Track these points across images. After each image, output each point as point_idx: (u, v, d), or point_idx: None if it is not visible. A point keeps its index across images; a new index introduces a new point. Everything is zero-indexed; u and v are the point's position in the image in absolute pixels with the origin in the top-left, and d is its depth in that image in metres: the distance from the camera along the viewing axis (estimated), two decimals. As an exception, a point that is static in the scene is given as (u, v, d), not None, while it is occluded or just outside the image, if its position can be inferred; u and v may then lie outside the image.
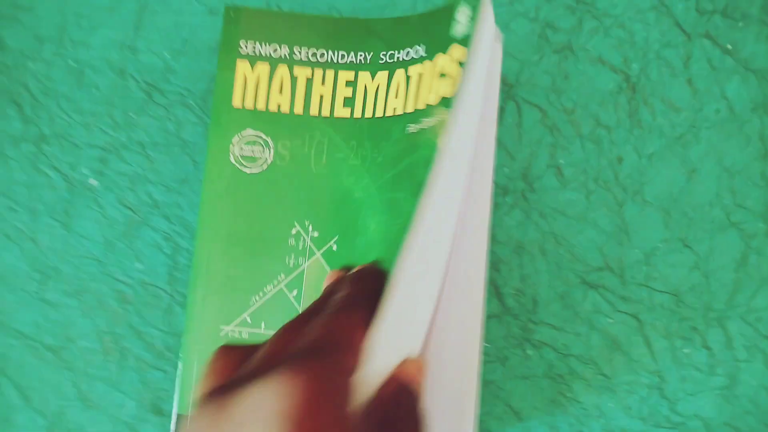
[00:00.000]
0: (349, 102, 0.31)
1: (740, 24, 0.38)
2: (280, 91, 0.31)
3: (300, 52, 0.31)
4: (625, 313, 0.36)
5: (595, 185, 0.37)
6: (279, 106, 0.31)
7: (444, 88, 0.28)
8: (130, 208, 0.35)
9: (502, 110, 0.37)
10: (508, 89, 0.37)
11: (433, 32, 0.30)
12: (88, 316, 0.35)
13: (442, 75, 0.29)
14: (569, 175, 0.37)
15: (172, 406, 0.35)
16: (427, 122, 0.28)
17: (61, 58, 0.36)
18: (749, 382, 0.36)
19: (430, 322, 0.24)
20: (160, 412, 0.35)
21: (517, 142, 0.37)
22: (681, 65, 0.37)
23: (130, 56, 0.36)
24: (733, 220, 0.37)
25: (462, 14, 0.28)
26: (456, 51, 0.28)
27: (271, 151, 0.31)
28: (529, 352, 0.36)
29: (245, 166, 0.31)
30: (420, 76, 0.30)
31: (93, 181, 0.35)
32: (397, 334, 0.23)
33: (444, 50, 0.29)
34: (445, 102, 0.28)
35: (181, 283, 0.35)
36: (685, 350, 0.36)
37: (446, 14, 0.29)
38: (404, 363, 0.23)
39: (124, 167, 0.35)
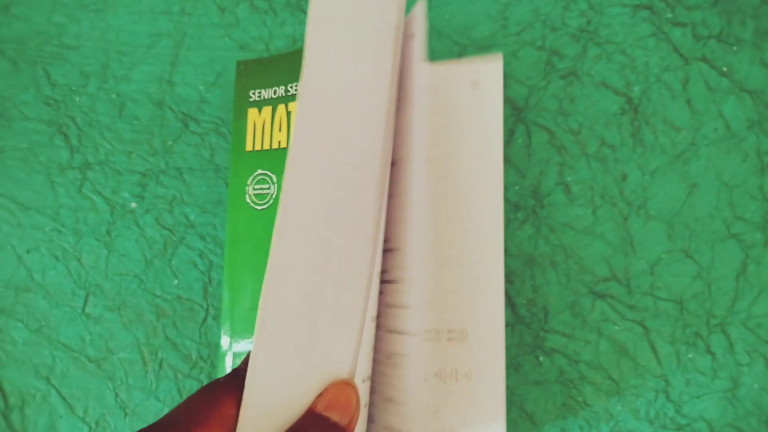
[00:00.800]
0: None
1: (734, 48, 0.40)
2: (279, 128, 0.34)
3: (292, 88, 0.34)
4: (632, 320, 0.38)
5: (601, 201, 0.39)
6: (279, 143, 0.34)
7: None
8: (167, 229, 0.38)
9: (512, 132, 0.39)
10: (518, 113, 0.39)
11: None
12: (128, 329, 0.38)
13: None
14: (577, 191, 0.39)
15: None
16: None
17: (104, 92, 0.39)
18: (751, 385, 0.38)
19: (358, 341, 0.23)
20: (196, 419, 0.38)
21: (527, 161, 0.39)
22: (680, 87, 0.40)
23: (167, 89, 0.39)
24: (733, 232, 0.39)
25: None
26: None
27: (275, 186, 0.34)
28: (541, 358, 0.38)
29: (257, 204, 0.34)
30: None
31: (133, 204, 0.38)
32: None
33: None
34: None
35: (215, 297, 0.38)
36: (690, 355, 0.38)
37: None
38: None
39: (162, 191, 0.38)
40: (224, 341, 0.33)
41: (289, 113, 0.34)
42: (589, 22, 0.40)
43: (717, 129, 0.40)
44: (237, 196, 0.34)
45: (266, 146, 0.34)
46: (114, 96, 0.39)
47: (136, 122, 0.39)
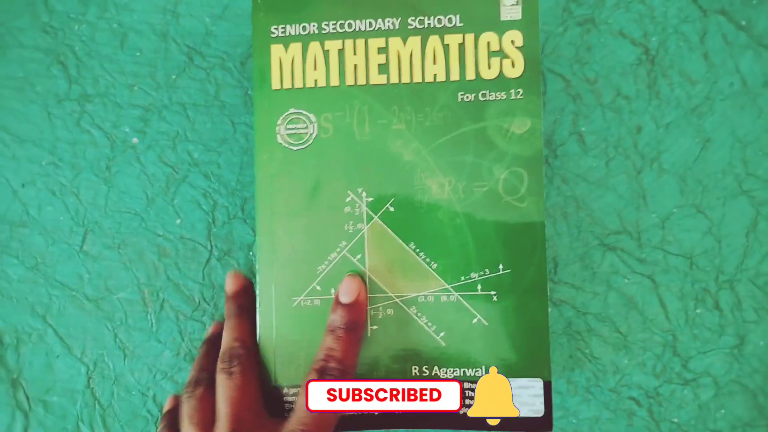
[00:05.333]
0: (383, 69, 0.32)
1: (754, 1, 0.39)
2: (315, 67, 0.32)
3: (328, 26, 0.32)
4: (641, 274, 0.38)
5: (614, 152, 0.38)
6: (316, 81, 0.32)
7: (507, 69, 0.32)
8: (170, 166, 0.37)
9: (527, 79, 0.38)
10: (539, 56, 0.38)
11: (470, 5, 0.32)
12: (128, 268, 0.37)
13: (495, 53, 0.32)
14: (590, 142, 0.38)
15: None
16: (488, 95, 0.32)
17: (105, 21, 0.37)
18: (757, 342, 0.38)
19: None
20: (196, 362, 0.37)
21: (542, 116, 0.38)
22: (697, 40, 0.39)
23: (171, 20, 0.37)
24: (745, 188, 0.39)
25: None
26: (512, 35, 0.32)
27: (315, 125, 0.32)
28: (550, 309, 0.38)
29: (292, 144, 0.32)
30: (460, 46, 0.32)
31: (135, 140, 0.37)
32: None
33: (492, 29, 0.32)
34: (508, 83, 0.32)
35: (219, 238, 0.37)
36: (698, 311, 0.38)
37: None
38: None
39: (165, 127, 0.37)
40: (263, 290, 0.32)
41: (326, 51, 0.32)
42: (609, -32, 0.39)
43: (733, 84, 0.39)
44: (266, 137, 0.32)
45: (298, 84, 0.32)
46: (115, 25, 0.37)
47: (138, 54, 0.37)
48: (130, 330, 0.37)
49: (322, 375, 0.29)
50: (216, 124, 0.37)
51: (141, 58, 0.37)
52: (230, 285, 0.33)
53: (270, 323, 0.32)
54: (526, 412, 0.31)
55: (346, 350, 0.30)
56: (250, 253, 0.37)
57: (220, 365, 0.30)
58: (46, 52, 0.37)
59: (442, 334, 0.32)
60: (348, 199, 0.32)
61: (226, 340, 0.31)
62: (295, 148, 0.32)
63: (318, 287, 0.32)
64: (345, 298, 0.31)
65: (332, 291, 0.32)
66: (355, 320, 0.31)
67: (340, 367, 0.29)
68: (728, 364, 0.38)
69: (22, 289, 0.36)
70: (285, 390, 0.32)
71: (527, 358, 0.31)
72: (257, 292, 0.32)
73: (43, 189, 0.37)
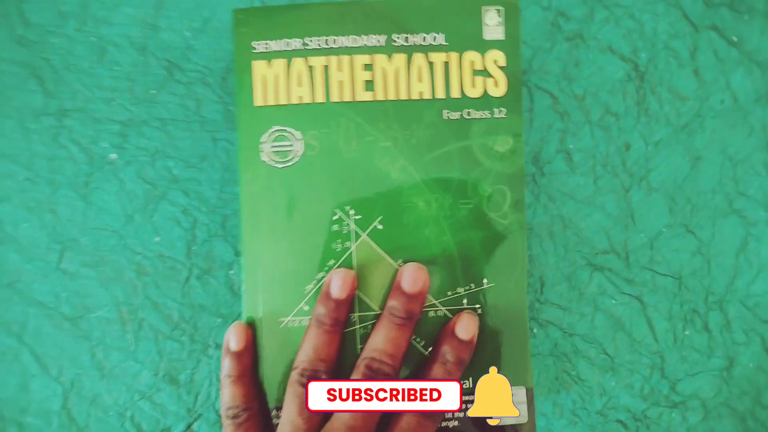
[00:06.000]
0: (369, 86, 0.32)
1: (746, 17, 0.39)
2: (299, 83, 0.32)
3: (312, 42, 0.32)
4: (629, 295, 0.37)
5: (603, 170, 0.38)
6: (301, 98, 0.32)
7: (490, 88, 0.32)
8: (149, 183, 0.36)
9: (514, 95, 0.38)
10: (521, 75, 0.38)
11: (454, 24, 0.32)
12: (105, 287, 0.36)
13: (479, 72, 0.32)
14: (578, 160, 0.38)
15: (186, 376, 0.36)
16: (472, 113, 0.32)
17: (83, 34, 0.36)
18: (747, 364, 0.38)
19: None
20: (175, 381, 0.36)
21: (528, 126, 0.37)
22: (688, 56, 0.38)
23: (151, 34, 0.36)
24: (735, 208, 0.38)
25: (491, 18, 0.32)
26: (494, 54, 0.32)
27: (301, 142, 0.32)
28: (536, 330, 0.37)
29: (278, 162, 0.32)
30: (445, 64, 0.32)
31: (113, 156, 0.36)
32: None
33: (475, 48, 0.32)
34: (491, 101, 0.32)
35: (199, 256, 0.36)
36: (686, 332, 0.38)
37: (466, 9, 0.32)
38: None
39: (143, 142, 0.36)
40: (249, 311, 0.31)
41: (310, 68, 0.32)
42: (598, -17, 0.38)
43: (724, 101, 0.38)
44: (249, 154, 0.31)
45: (282, 101, 0.32)
46: (93, 39, 0.36)
47: (117, 68, 0.36)
48: (107, 349, 0.36)
49: (375, 374, 0.28)
50: (196, 140, 0.36)
51: (119, 72, 0.36)
52: (235, 341, 0.31)
53: (257, 344, 0.31)
54: (510, 419, 0.31)
55: (402, 343, 0.29)
56: (231, 271, 0.36)
57: (225, 420, 0.29)
58: (22, 65, 0.36)
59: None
60: (335, 218, 0.31)
61: (231, 399, 0.30)
62: (280, 166, 0.32)
63: (306, 307, 0.31)
64: (412, 287, 0.30)
65: None
66: (417, 312, 0.30)
67: (394, 364, 0.29)
68: (717, 386, 0.37)
69: (-3, 307, 0.36)
70: (273, 412, 0.31)
71: (510, 367, 0.32)
72: (243, 313, 0.31)
73: (20, 205, 0.36)
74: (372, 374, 0.28)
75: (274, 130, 0.31)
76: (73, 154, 0.36)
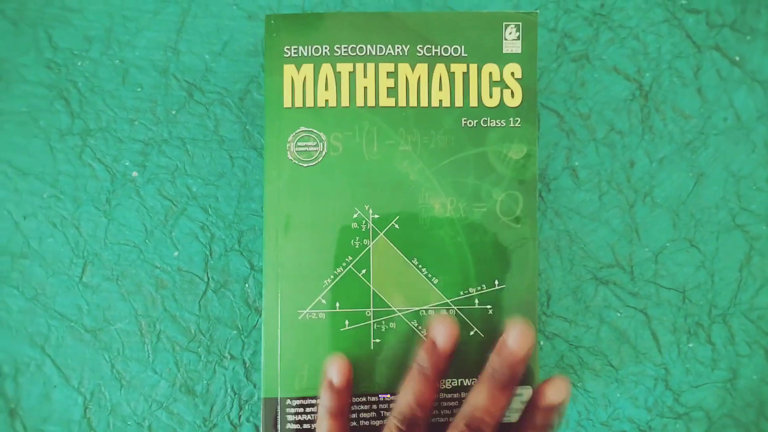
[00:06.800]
0: (392, 92, 0.33)
1: (748, 37, 0.40)
2: (326, 87, 0.33)
3: (340, 49, 0.33)
4: (634, 308, 0.38)
5: (608, 187, 0.39)
6: (327, 102, 0.33)
7: (506, 99, 0.34)
8: (169, 200, 0.37)
9: (521, 114, 0.39)
10: (536, 87, 0.39)
11: (474, 37, 0.34)
12: (126, 300, 0.37)
13: (497, 83, 0.34)
14: (584, 176, 0.39)
15: (203, 387, 0.37)
16: (489, 122, 0.34)
17: (107, 58, 0.38)
18: (750, 377, 0.38)
19: None
20: (192, 392, 0.37)
21: (537, 143, 0.39)
22: (691, 75, 0.39)
23: (172, 57, 0.38)
24: (738, 223, 0.39)
25: (510, 32, 0.33)
26: (512, 67, 0.34)
27: (324, 143, 0.33)
28: (542, 343, 0.38)
29: (302, 161, 0.33)
30: (464, 75, 0.34)
31: (134, 173, 0.37)
32: None
33: (494, 61, 0.34)
34: (507, 111, 0.34)
35: (216, 270, 0.37)
36: (690, 345, 0.38)
37: (486, 22, 0.34)
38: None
39: (164, 161, 0.38)
40: (270, 305, 0.33)
41: (338, 73, 0.33)
42: (602, 5, 0.39)
43: (727, 119, 0.39)
44: (276, 153, 0.33)
45: (309, 104, 0.33)
46: (117, 62, 0.38)
47: (139, 89, 0.38)
48: (127, 360, 0.37)
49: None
50: (215, 159, 0.38)
51: (142, 94, 0.38)
52: (338, 377, 0.30)
53: (275, 335, 0.32)
54: (515, 418, 0.32)
55: (504, 405, 0.29)
56: (246, 285, 0.38)
57: None
58: (49, 87, 0.37)
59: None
60: (355, 216, 0.33)
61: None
62: (304, 165, 0.33)
63: (323, 301, 0.33)
64: (520, 349, 0.28)
65: (337, 305, 0.33)
66: (521, 374, 0.29)
67: (494, 424, 0.28)
68: (721, 398, 0.38)
69: (21, 319, 0.37)
70: (288, 401, 0.32)
71: None
72: (263, 305, 0.33)
73: (45, 221, 0.37)
74: None
75: (300, 130, 0.33)
76: (96, 172, 0.37)
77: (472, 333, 0.33)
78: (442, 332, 0.29)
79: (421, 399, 0.29)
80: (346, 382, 0.31)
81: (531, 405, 0.30)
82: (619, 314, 0.38)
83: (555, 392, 0.29)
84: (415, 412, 0.29)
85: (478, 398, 0.28)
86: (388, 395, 0.33)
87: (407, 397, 0.29)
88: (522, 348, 0.28)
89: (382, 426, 0.32)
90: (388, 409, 0.32)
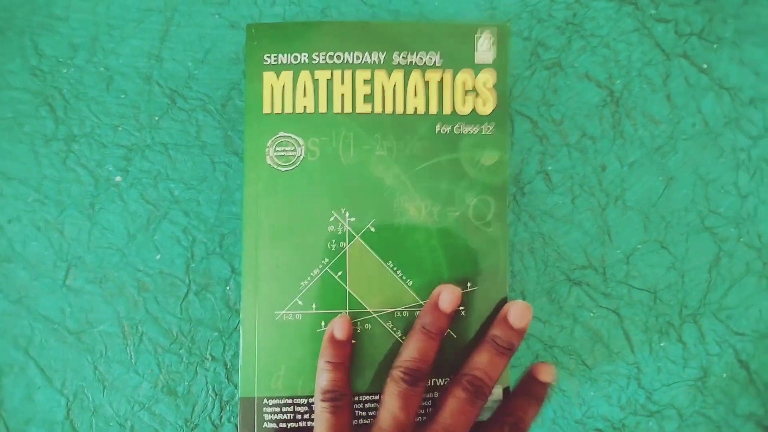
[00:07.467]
0: (369, 99, 0.34)
1: (715, 46, 0.41)
2: (304, 94, 0.34)
3: (319, 57, 0.34)
4: (607, 308, 0.39)
5: (580, 190, 0.40)
6: (305, 108, 0.34)
7: (479, 106, 0.35)
8: (151, 204, 0.38)
9: (495, 120, 0.40)
10: (509, 95, 0.40)
11: (448, 46, 0.35)
12: (108, 302, 0.38)
13: (470, 91, 0.35)
14: (557, 180, 0.40)
15: (184, 388, 0.38)
16: (462, 128, 0.35)
17: (92, 65, 0.39)
18: (720, 375, 0.39)
19: None
20: (173, 393, 0.38)
21: (509, 149, 0.40)
22: (661, 82, 0.41)
23: (155, 64, 0.39)
24: (707, 225, 0.40)
25: (484, 42, 0.35)
26: (485, 75, 0.35)
27: (302, 148, 0.34)
28: (518, 343, 0.39)
29: (280, 166, 0.34)
30: (439, 83, 0.35)
31: (118, 178, 0.38)
32: None
33: (467, 69, 0.35)
34: (480, 118, 0.35)
35: (197, 273, 0.38)
36: (662, 344, 0.39)
37: (460, 31, 0.35)
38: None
39: (147, 165, 0.38)
40: (248, 306, 0.34)
41: (316, 80, 0.34)
42: (575, 15, 0.41)
43: (695, 124, 0.41)
44: (255, 158, 0.34)
45: (288, 110, 0.34)
46: (102, 69, 0.39)
47: (123, 96, 0.39)
48: (109, 362, 0.38)
49: (475, 391, 0.31)
50: (196, 164, 0.38)
51: (126, 100, 0.39)
52: (341, 330, 0.32)
53: (253, 336, 0.33)
54: (486, 417, 0.33)
55: (500, 370, 0.32)
56: (227, 287, 0.38)
57: (321, 403, 0.31)
58: (35, 94, 0.38)
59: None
60: (332, 219, 0.34)
61: (330, 383, 0.32)
62: (282, 169, 0.34)
63: (300, 302, 0.33)
64: (518, 322, 0.32)
65: (313, 306, 0.34)
66: (517, 345, 0.33)
67: (492, 386, 0.31)
68: (692, 396, 0.39)
69: (5, 322, 0.38)
70: (265, 401, 0.33)
71: None
72: (242, 306, 0.33)
73: (29, 225, 0.38)
74: (472, 389, 0.31)
75: (279, 135, 0.34)
76: (80, 176, 0.38)
77: (445, 334, 0.34)
78: (446, 297, 0.32)
79: (425, 355, 0.31)
80: (347, 335, 0.32)
81: (527, 377, 0.33)
82: (592, 314, 0.39)
83: (517, 316, 0.32)
84: (419, 365, 0.31)
85: (480, 359, 0.32)
86: (365, 395, 0.33)
87: (412, 353, 0.31)
88: (519, 322, 0.32)
89: (358, 425, 0.33)
90: (364, 409, 0.33)
